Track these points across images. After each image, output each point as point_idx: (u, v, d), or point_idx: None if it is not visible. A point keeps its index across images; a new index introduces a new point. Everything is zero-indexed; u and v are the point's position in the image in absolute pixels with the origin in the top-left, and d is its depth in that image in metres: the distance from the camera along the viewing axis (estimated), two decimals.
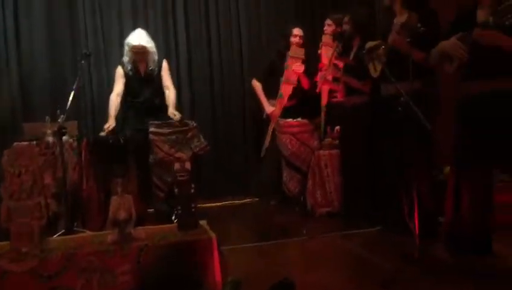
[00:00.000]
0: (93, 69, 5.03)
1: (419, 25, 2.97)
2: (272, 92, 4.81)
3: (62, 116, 3.66)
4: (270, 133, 4.76)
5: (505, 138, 2.59)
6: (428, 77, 3.20)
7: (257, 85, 4.90)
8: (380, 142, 3.62)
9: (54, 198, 3.60)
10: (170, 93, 4.52)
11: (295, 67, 4.70)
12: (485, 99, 2.63)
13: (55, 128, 3.63)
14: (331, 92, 4.51)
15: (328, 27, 4.57)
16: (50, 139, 3.75)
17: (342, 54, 4.15)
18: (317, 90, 4.51)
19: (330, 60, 4.24)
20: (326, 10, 5.31)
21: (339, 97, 4.26)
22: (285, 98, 4.73)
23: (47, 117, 3.91)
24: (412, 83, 2.87)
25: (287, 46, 4.78)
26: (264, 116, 4.88)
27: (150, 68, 4.43)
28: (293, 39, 4.76)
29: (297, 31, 4.77)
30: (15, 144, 3.56)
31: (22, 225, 2.37)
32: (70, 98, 3.70)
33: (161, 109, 4.45)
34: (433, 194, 3.20)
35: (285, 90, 4.73)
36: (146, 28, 5.18)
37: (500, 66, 2.55)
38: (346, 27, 4.03)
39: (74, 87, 3.73)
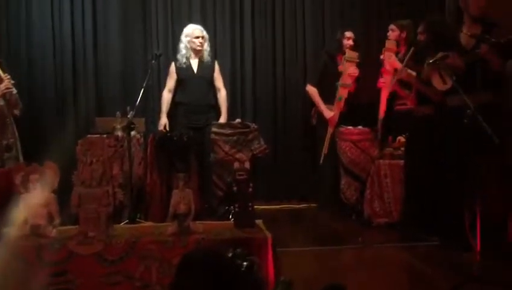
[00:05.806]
0: (162, 69, 5.23)
1: None
2: (326, 96, 4.79)
3: (131, 112, 3.88)
4: (329, 140, 4.73)
5: None
6: (499, 89, 3.07)
7: (313, 90, 4.86)
8: (445, 155, 3.50)
9: (120, 188, 3.81)
10: (222, 95, 4.68)
11: (351, 71, 4.69)
12: None
13: (125, 124, 3.85)
14: (395, 100, 4.39)
15: (392, 32, 4.46)
16: (119, 133, 3.98)
17: (416, 62, 4.03)
18: (385, 94, 4.44)
19: (405, 62, 4.07)
20: (393, 12, 5.22)
21: (409, 104, 4.13)
22: (343, 102, 4.72)
23: (117, 113, 4.15)
24: (480, 94, 2.77)
25: (339, 48, 4.77)
26: (314, 122, 4.90)
27: (204, 61, 4.55)
28: (346, 42, 4.74)
29: (349, 34, 4.76)
30: (88, 135, 3.81)
31: (91, 210, 2.52)
32: (140, 95, 3.91)
33: (212, 108, 4.60)
34: (500, 211, 3.06)
35: (343, 93, 4.74)
36: (214, 30, 5.35)
37: None
38: (421, 37, 3.90)
39: (144, 85, 3.94)
